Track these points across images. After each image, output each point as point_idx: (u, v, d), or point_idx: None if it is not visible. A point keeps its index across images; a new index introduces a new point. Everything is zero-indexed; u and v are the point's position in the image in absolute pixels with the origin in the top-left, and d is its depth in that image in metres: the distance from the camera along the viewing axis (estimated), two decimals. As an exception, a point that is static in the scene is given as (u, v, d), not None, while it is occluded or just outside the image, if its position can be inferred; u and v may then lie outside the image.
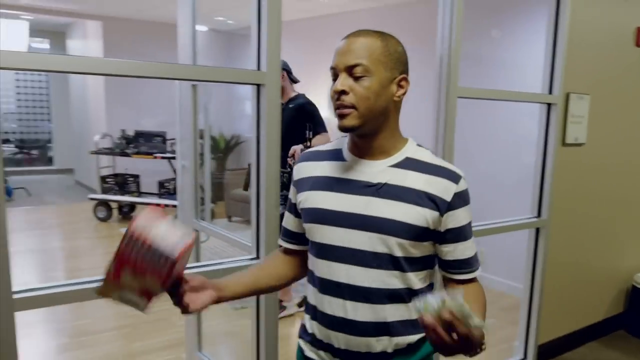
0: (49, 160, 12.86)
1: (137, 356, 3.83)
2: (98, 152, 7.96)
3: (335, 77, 1.49)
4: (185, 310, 1.44)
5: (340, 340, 1.54)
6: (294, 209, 1.69)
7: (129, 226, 1.29)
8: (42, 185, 10.83)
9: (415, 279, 1.53)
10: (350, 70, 1.45)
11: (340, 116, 1.47)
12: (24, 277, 4.74)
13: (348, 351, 1.55)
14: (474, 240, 1.59)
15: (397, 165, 1.52)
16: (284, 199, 2.03)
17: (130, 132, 7.90)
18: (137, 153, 7.62)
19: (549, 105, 3.49)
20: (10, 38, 8.28)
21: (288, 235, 1.75)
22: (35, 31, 10.88)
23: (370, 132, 1.51)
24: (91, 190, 9.20)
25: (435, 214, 1.48)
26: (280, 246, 1.80)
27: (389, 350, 1.54)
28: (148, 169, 7.94)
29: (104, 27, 8.76)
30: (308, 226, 1.59)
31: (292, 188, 1.69)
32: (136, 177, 7.85)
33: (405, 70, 1.52)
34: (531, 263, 3.64)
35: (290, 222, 1.74)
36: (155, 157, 7.49)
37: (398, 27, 6.19)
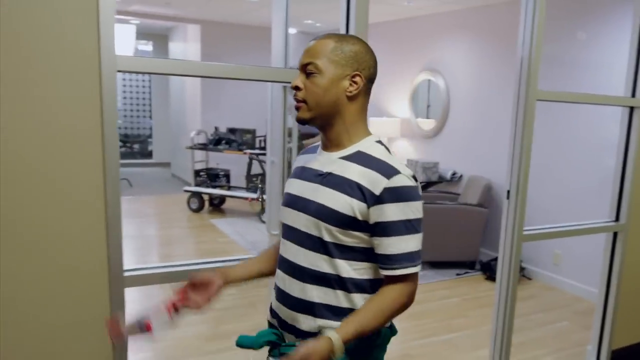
0: (149, 154, 13.37)
1: (225, 337, 3.97)
2: (193, 148, 8.24)
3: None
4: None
5: (281, 310, 1.65)
6: None
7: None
8: (142, 177, 11.25)
9: (348, 268, 1.55)
10: (304, 68, 1.56)
11: (296, 109, 1.58)
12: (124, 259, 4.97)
13: (285, 323, 1.63)
14: (406, 238, 1.52)
15: (346, 158, 1.58)
16: None
17: (223, 129, 8.13)
18: (229, 149, 7.84)
19: (632, 108, 3.38)
20: (120, 41, 8.68)
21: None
22: (141, 34, 11.39)
23: (324, 124, 1.60)
24: (186, 183, 9.53)
25: (363, 205, 1.50)
26: None
27: (314, 331, 1.57)
28: (238, 164, 8.14)
29: (202, 30, 9.04)
30: (281, 208, 1.69)
31: None
32: (227, 171, 8.07)
33: (360, 68, 1.57)
34: (607, 267, 3.54)
35: None
36: (245, 153, 7.67)
37: (481, 29, 6.16)
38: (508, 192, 2.90)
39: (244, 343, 1.66)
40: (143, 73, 1.76)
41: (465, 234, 5.67)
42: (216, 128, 8.22)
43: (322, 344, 1.42)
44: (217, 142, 8.03)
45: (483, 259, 5.74)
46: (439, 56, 6.81)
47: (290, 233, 1.62)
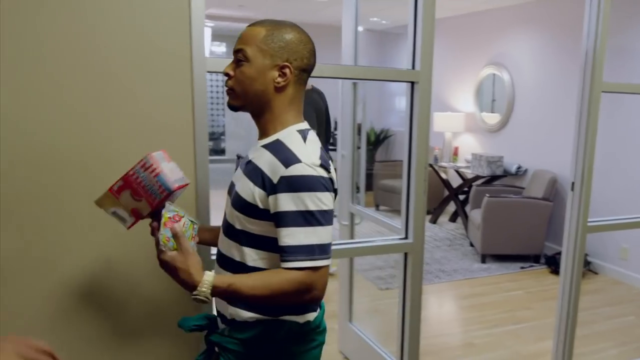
0: (222, 151, 13.65)
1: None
2: (265, 144, 8.37)
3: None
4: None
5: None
6: None
7: (145, 157, 1.53)
8: (215, 173, 11.39)
9: (253, 256, 1.50)
10: (236, 55, 1.52)
11: (227, 95, 1.56)
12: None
13: (222, 314, 1.62)
14: (305, 230, 1.41)
15: (265, 146, 1.52)
16: None
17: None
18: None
19: None
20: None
21: None
22: (216, 36, 11.66)
23: (254, 113, 1.57)
24: (258, 177, 9.70)
25: (262, 193, 1.45)
26: None
27: (229, 317, 1.57)
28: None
29: (274, 31, 9.17)
30: None
31: None
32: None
33: (290, 59, 1.50)
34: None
35: None
36: (318, 147, 7.71)
37: (546, 21, 6.04)
38: (572, 183, 2.87)
39: (181, 325, 1.63)
40: (216, 72, 1.85)
41: (530, 228, 5.59)
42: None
43: (194, 268, 1.40)
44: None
45: (548, 253, 5.64)
46: (503, 50, 6.71)
47: (223, 220, 1.63)
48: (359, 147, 3.65)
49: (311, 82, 5.21)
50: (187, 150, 2.04)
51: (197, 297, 1.39)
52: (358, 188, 3.66)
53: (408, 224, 2.60)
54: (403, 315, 2.67)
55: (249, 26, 1.52)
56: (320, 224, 1.42)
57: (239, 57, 1.50)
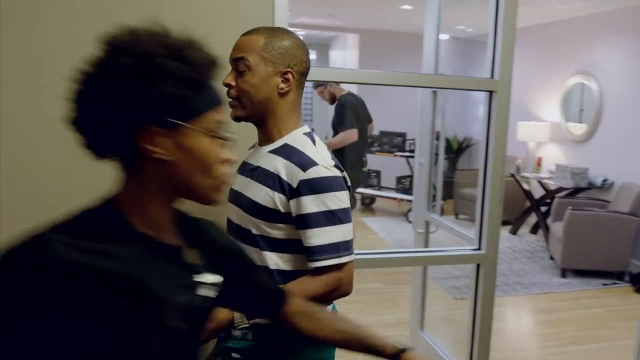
0: (308, 155, 13.77)
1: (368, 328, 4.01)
2: (348, 149, 8.40)
3: None
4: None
5: None
6: None
7: None
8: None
9: (276, 259, 1.49)
10: (235, 64, 1.47)
11: (230, 107, 1.48)
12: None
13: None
14: (325, 230, 1.42)
15: (274, 151, 1.50)
16: None
17: (376, 132, 8.21)
18: (380, 151, 7.91)
19: None
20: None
21: None
22: (305, 44, 11.79)
23: (257, 121, 1.53)
24: (340, 182, 9.71)
25: (283, 197, 1.44)
26: None
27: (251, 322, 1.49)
28: (388, 166, 8.18)
29: (360, 39, 9.19)
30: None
31: None
32: (378, 172, 8.13)
33: (291, 65, 1.48)
34: None
35: None
36: (396, 155, 7.69)
37: (638, 30, 5.66)
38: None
39: None
40: (308, 81, 1.86)
41: (615, 243, 5.27)
42: (369, 131, 8.31)
43: (224, 313, 1.44)
44: (369, 144, 8.12)
45: (633, 270, 5.31)
46: (592, 59, 6.38)
47: (230, 226, 1.60)
48: (436, 155, 3.57)
49: (348, 87, 5.29)
50: None
51: (241, 326, 1.46)
52: (434, 196, 3.58)
53: (482, 235, 2.52)
54: (473, 326, 2.59)
55: (244, 35, 1.49)
56: (341, 221, 1.44)
57: (241, 67, 1.45)
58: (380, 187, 8.12)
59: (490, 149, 2.44)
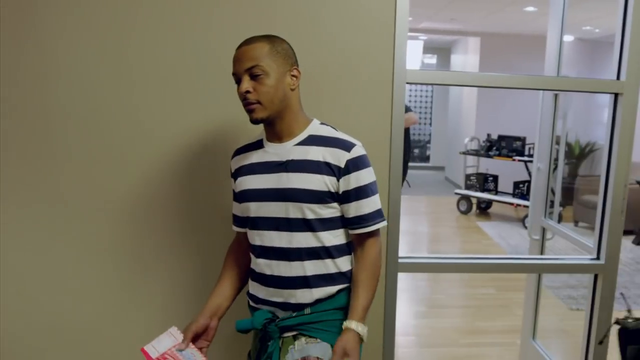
0: (427, 158, 13.60)
1: (478, 333, 3.89)
2: (466, 153, 8.20)
3: (238, 81, 1.57)
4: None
5: (271, 294, 1.66)
6: (236, 197, 1.74)
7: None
8: (419, 179, 11.49)
9: (330, 237, 1.64)
10: (249, 72, 1.54)
11: (250, 111, 1.57)
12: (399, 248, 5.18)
13: (279, 302, 1.65)
14: (373, 198, 1.64)
15: (301, 143, 1.63)
16: None
17: (494, 136, 7.93)
18: (499, 155, 7.63)
19: None
20: (409, 55, 9.00)
21: (236, 220, 1.82)
22: (428, 48, 11.67)
23: (275, 118, 1.61)
24: (457, 186, 9.51)
25: (333, 179, 1.59)
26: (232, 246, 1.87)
27: (309, 301, 1.64)
28: (506, 170, 7.87)
29: (481, 42, 8.92)
30: (243, 205, 1.69)
31: (231, 180, 1.77)
32: (495, 177, 7.84)
33: (294, 62, 1.62)
34: None
35: (235, 208, 1.80)
36: (514, 160, 7.39)
37: None
38: None
39: (243, 326, 1.70)
40: (427, 84, 1.84)
41: None
42: (488, 135, 8.05)
43: (349, 337, 1.56)
44: (488, 148, 7.86)
45: None
46: None
47: (266, 223, 1.64)
48: (556, 160, 3.36)
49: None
50: (383, 157, 2.10)
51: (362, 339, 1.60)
52: (552, 202, 3.37)
53: (601, 244, 2.33)
54: (588, 339, 2.40)
55: (247, 45, 1.56)
56: (376, 192, 1.67)
57: (256, 72, 1.54)
58: (497, 192, 7.83)
59: (613, 154, 2.26)
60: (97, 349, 2.14)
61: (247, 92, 1.55)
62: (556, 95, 3.19)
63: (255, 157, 1.69)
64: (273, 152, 1.65)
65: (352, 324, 1.58)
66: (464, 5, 6.60)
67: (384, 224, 1.67)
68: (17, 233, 2.04)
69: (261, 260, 1.67)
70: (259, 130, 1.73)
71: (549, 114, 3.21)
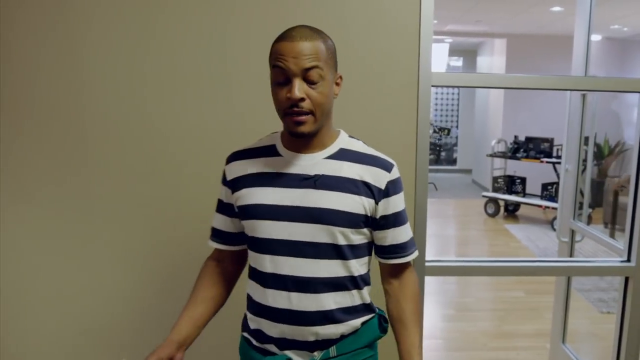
0: (454, 161, 13.50)
1: (507, 337, 3.84)
2: (493, 155, 8.12)
3: (283, 77, 1.27)
4: None
5: (286, 331, 1.38)
6: (226, 209, 1.49)
7: None
8: (446, 182, 11.41)
9: (357, 266, 1.41)
10: (306, 74, 1.25)
11: (298, 124, 1.28)
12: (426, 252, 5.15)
13: (296, 341, 1.39)
14: (408, 225, 1.48)
15: (332, 157, 1.38)
16: None
17: (522, 138, 7.84)
18: (526, 157, 7.54)
19: None
20: (435, 58, 8.98)
21: (218, 235, 1.53)
22: (453, 51, 11.60)
23: (317, 132, 1.35)
24: (484, 188, 9.40)
25: (372, 201, 1.37)
26: (208, 263, 1.57)
27: (335, 337, 1.41)
28: (534, 172, 7.77)
29: (507, 44, 8.83)
30: (249, 223, 1.39)
31: (223, 188, 1.48)
32: (523, 179, 7.74)
33: (337, 67, 1.37)
34: None
35: (220, 222, 1.52)
36: (542, 162, 7.29)
37: None
38: None
39: None
40: (452, 87, 1.81)
41: None
42: (515, 137, 7.97)
43: None
44: (515, 150, 7.77)
45: None
46: None
47: (285, 247, 1.35)
48: (584, 161, 3.30)
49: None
50: (409, 160, 2.08)
51: None
52: (581, 204, 3.32)
53: (631, 246, 2.28)
54: (619, 343, 2.35)
55: (305, 40, 1.26)
56: (407, 218, 1.50)
57: (315, 77, 1.26)
58: (525, 194, 7.73)
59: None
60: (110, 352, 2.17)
61: (302, 99, 1.26)
62: (584, 96, 3.14)
63: (268, 166, 1.40)
64: (297, 163, 1.38)
65: None
66: (490, 6, 6.54)
67: (417, 252, 1.51)
68: (34, 235, 2.08)
69: (273, 292, 1.38)
70: (262, 131, 1.55)
71: (577, 115, 3.16)
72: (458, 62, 12.54)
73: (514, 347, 3.67)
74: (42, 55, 1.96)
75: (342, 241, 1.36)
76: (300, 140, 1.36)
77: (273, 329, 1.40)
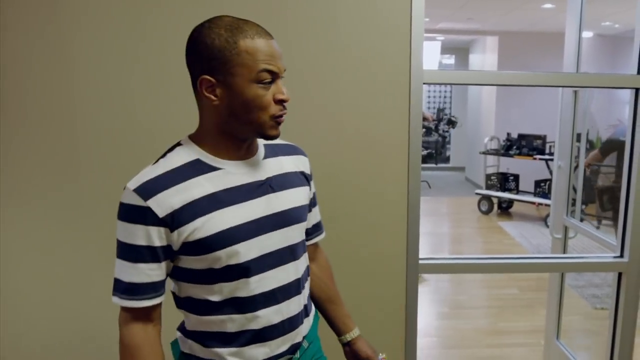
0: (447, 159, 13.51)
1: (501, 334, 3.85)
2: (486, 153, 8.14)
3: (269, 80, 1.18)
4: None
5: (278, 344, 1.31)
6: (159, 254, 1.18)
7: None
8: (439, 180, 11.42)
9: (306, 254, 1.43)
10: (279, 76, 1.21)
11: (278, 125, 1.22)
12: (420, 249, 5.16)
13: (283, 352, 1.33)
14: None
15: (267, 156, 1.32)
16: None
17: (514, 135, 7.87)
18: (519, 154, 7.57)
19: None
20: (427, 56, 9.00)
21: (150, 289, 1.19)
22: (446, 49, 11.62)
23: None
24: (477, 186, 9.43)
25: (307, 188, 1.41)
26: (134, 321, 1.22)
27: (307, 329, 1.42)
28: (527, 169, 7.80)
29: (499, 41, 8.85)
30: (218, 254, 1.18)
31: (150, 230, 1.15)
32: (516, 176, 7.78)
33: None
34: None
35: (150, 273, 1.18)
36: (535, 159, 7.33)
37: None
38: None
39: None
40: (444, 84, 1.81)
41: None
42: (508, 134, 8.00)
43: (366, 341, 1.58)
44: (508, 147, 7.80)
45: None
46: None
47: (267, 261, 1.26)
48: (577, 157, 3.32)
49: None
50: (401, 158, 2.09)
51: None
52: (574, 200, 3.33)
53: (624, 241, 2.29)
54: (613, 338, 2.36)
55: (272, 40, 1.19)
56: None
57: (282, 77, 1.22)
58: (518, 191, 7.77)
59: (635, 150, 2.23)
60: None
61: (286, 101, 1.22)
62: (576, 92, 3.16)
63: (213, 183, 1.20)
64: (241, 171, 1.25)
65: (357, 330, 1.58)
66: (481, 4, 6.55)
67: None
68: (27, 235, 2.07)
69: (265, 311, 1.26)
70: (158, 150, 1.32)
71: (569, 112, 3.17)
72: (450, 60, 12.56)
73: (508, 344, 3.69)
74: (33, 58, 1.95)
75: (304, 234, 1.39)
76: (242, 146, 1.25)
77: (263, 349, 1.29)
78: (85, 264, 2.09)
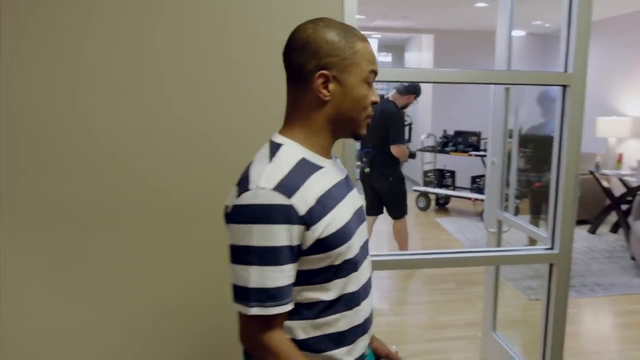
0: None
1: (441, 328, 3.93)
2: (423, 150, 8.29)
3: (373, 81, 1.27)
4: None
5: (369, 334, 1.38)
6: (295, 254, 1.16)
7: None
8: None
9: None
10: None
11: (367, 126, 1.29)
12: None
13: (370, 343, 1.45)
14: None
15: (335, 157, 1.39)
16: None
17: (451, 132, 8.05)
18: (455, 151, 7.75)
19: None
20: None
21: (288, 293, 1.17)
22: (382, 47, 11.76)
23: None
24: (415, 183, 9.59)
25: None
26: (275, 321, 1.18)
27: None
28: (463, 166, 8.00)
29: (435, 40, 9.03)
30: (341, 249, 1.21)
31: (291, 228, 1.12)
32: (452, 172, 7.97)
33: None
34: None
35: (291, 274, 1.17)
36: (470, 155, 7.52)
37: None
38: None
39: None
40: (381, 82, 1.82)
41: None
42: (444, 131, 8.17)
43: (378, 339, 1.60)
44: (444, 144, 7.98)
45: None
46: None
47: (361, 255, 1.31)
48: (509, 153, 3.43)
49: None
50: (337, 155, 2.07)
51: None
52: (507, 195, 3.44)
53: (554, 234, 2.39)
54: (546, 328, 2.46)
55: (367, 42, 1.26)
56: None
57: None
58: (454, 187, 7.96)
59: (563, 145, 2.32)
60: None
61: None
62: (507, 90, 3.26)
63: (325, 180, 1.23)
64: (334, 169, 1.30)
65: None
66: (416, 2, 6.66)
67: None
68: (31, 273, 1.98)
69: (364, 304, 1.31)
70: (257, 142, 1.36)
71: (501, 108, 3.27)
72: (387, 57, 12.74)
73: (447, 338, 3.77)
74: (33, 58, 1.86)
75: None
76: (333, 144, 1.30)
77: (361, 343, 1.32)
78: (88, 300, 2.03)
